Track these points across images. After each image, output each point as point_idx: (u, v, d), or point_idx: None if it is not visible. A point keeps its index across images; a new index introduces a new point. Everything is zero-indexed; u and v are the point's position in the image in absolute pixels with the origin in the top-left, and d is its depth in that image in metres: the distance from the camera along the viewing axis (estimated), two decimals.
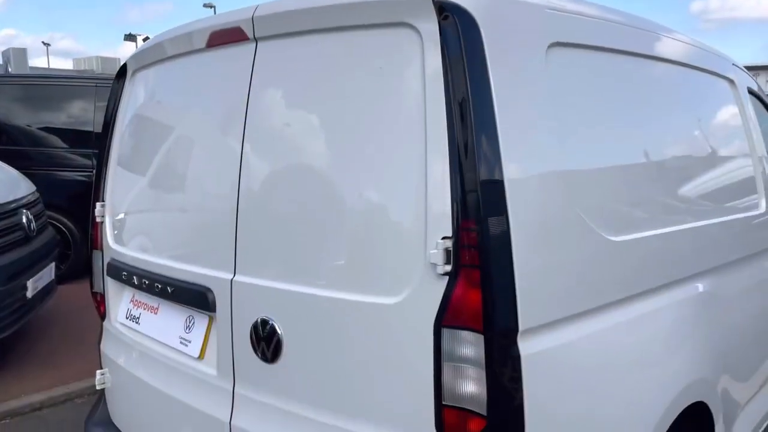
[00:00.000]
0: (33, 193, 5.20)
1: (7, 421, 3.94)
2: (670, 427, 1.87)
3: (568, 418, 1.54)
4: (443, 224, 1.42)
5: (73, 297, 6.45)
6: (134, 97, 2.39)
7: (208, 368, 1.96)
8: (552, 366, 1.50)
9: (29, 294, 4.53)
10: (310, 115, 1.74)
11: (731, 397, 2.34)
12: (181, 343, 2.06)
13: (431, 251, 1.43)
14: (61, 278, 6.81)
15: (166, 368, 2.11)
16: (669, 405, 1.85)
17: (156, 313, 2.21)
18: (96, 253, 2.55)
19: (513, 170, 1.45)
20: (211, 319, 1.99)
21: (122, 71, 2.43)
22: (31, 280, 4.56)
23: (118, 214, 2.42)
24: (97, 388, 2.54)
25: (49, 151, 7.26)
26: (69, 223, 6.99)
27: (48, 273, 5.00)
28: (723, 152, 2.56)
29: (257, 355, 1.78)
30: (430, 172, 1.44)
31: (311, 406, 1.67)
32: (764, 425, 2.93)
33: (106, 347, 2.49)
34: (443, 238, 1.42)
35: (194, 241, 2.03)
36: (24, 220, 4.71)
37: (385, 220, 1.56)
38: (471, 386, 1.42)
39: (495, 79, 1.44)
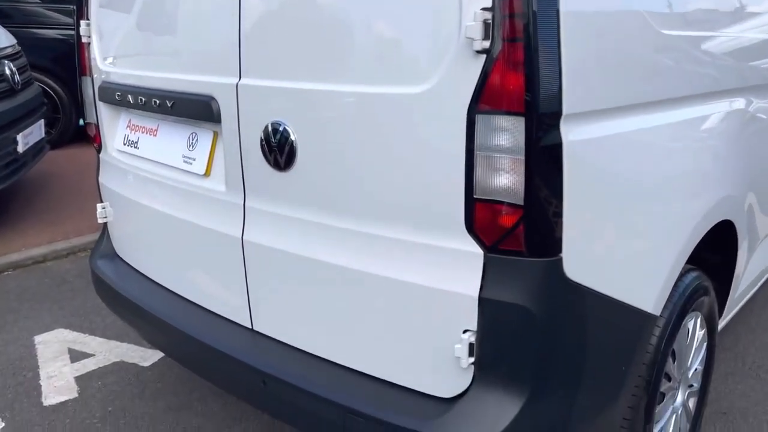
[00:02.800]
0: (13, 45, 4.89)
1: (10, 272, 3.93)
2: (697, 245, 1.81)
3: (604, 212, 1.44)
4: None
5: (66, 161, 6.32)
6: None
7: (215, 185, 1.84)
8: (593, 157, 1.38)
9: (20, 149, 4.38)
10: None
11: (755, 224, 2.28)
12: (184, 162, 1.93)
13: (467, 24, 1.26)
14: (51, 144, 6.65)
15: (171, 190, 2.00)
16: (701, 218, 1.77)
17: (155, 135, 2.07)
18: (85, 80, 2.36)
19: None
20: (215, 134, 1.85)
21: None
22: (20, 134, 4.39)
23: (106, 32, 2.20)
24: (99, 221, 2.45)
25: (26, 7, 6.81)
26: (55, 86, 6.70)
27: (38, 129, 4.82)
28: None
29: (269, 163, 1.65)
30: None
31: (329, 211, 1.57)
32: None
33: (105, 179, 2.37)
34: (482, 9, 1.25)
35: (192, 48, 1.84)
36: (7, 71, 4.46)
37: None
38: (507, 177, 1.30)
39: None
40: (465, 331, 1.41)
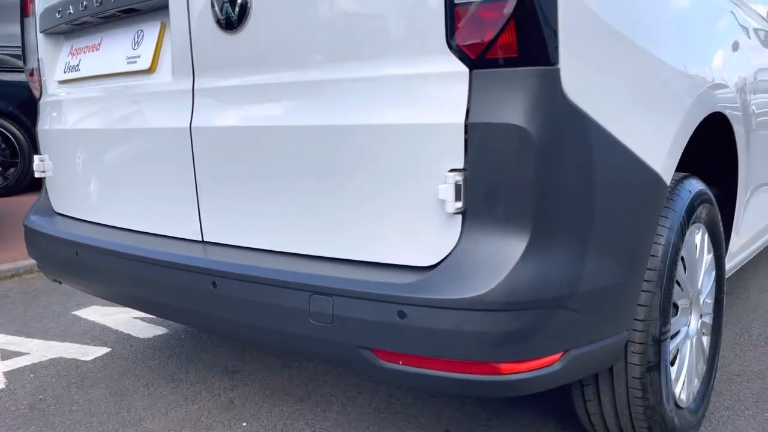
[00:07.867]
0: None
1: None
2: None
3: (602, 28, 1.26)
4: None
5: (20, 205, 6.00)
6: None
7: (161, 77, 1.63)
8: None
9: None
10: None
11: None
12: (128, 63, 1.73)
13: None
14: (7, 190, 6.38)
15: (112, 100, 1.78)
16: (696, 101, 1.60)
17: (98, 49, 1.86)
18: (27, 20, 2.17)
19: None
20: (163, 25, 1.66)
21: None
22: None
23: None
24: (36, 176, 2.19)
25: None
26: (16, 131, 6.48)
27: None
28: None
29: (220, 26, 1.46)
30: None
31: (290, 65, 1.37)
32: None
33: (43, 123, 2.14)
34: None
35: None
36: None
37: None
38: None
39: None
40: (451, 171, 1.19)
